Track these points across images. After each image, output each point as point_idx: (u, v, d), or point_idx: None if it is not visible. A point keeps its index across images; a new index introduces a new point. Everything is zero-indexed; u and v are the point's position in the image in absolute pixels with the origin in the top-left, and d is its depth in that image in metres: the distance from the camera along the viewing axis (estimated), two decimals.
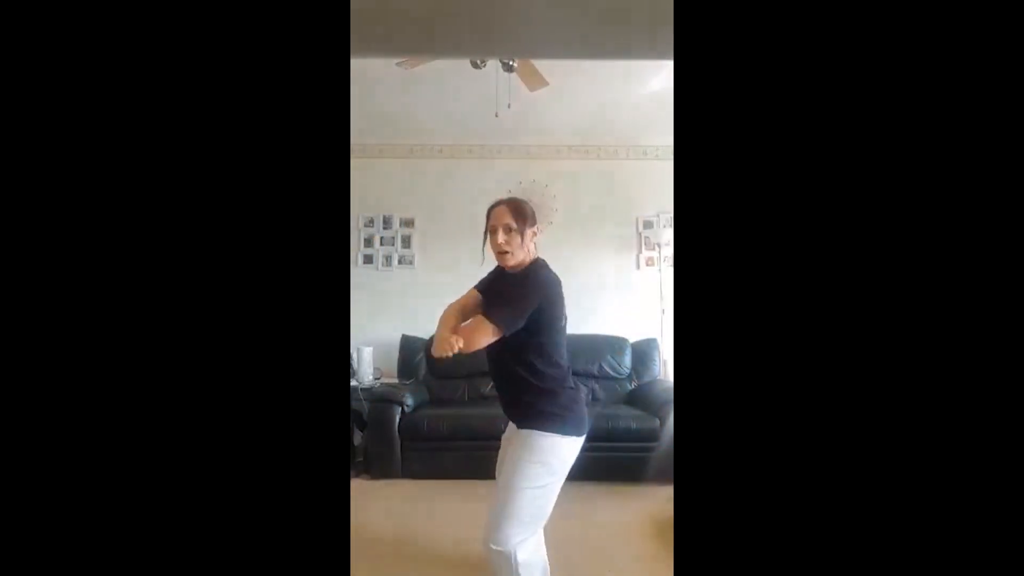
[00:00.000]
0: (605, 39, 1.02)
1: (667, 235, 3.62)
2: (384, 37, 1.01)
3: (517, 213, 1.39)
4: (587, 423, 1.41)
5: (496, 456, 1.57)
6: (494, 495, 1.33)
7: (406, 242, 3.74)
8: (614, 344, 3.37)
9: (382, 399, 2.88)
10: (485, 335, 1.28)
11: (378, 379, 3.32)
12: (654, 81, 2.88)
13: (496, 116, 2.86)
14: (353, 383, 3.10)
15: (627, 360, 3.36)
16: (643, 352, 3.40)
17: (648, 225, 3.74)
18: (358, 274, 3.68)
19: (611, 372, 3.31)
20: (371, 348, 3.30)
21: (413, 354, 3.40)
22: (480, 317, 1.31)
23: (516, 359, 1.37)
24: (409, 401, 2.90)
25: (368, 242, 3.74)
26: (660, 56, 0.99)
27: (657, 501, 2.45)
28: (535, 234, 1.44)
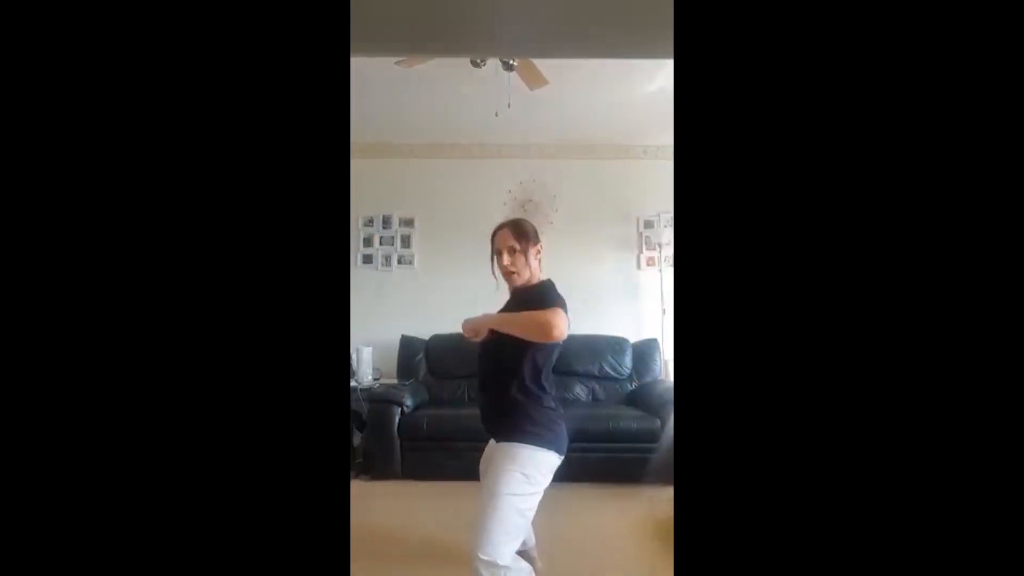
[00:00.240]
0: (605, 39, 1.02)
1: (667, 235, 3.62)
2: (384, 36, 1.01)
3: (519, 234, 1.46)
4: (565, 443, 1.44)
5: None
6: (479, 506, 1.35)
7: (406, 242, 3.74)
8: (614, 344, 3.37)
9: (382, 399, 2.88)
10: (563, 321, 1.30)
11: (378, 379, 3.32)
12: (654, 81, 2.88)
13: (496, 115, 2.86)
14: (353, 383, 3.10)
15: (627, 360, 3.36)
16: (644, 352, 3.40)
17: (648, 225, 3.74)
18: (358, 274, 3.69)
19: (611, 372, 3.31)
20: (371, 348, 3.30)
21: (413, 354, 3.41)
22: (555, 308, 1.31)
23: (512, 374, 1.40)
24: (408, 401, 2.90)
25: (368, 242, 3.74)
26: (660, 56, 0.99)
27: (657, 502, 2.45)
28: (539, 252, 1.49)
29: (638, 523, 2.25)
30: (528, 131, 3.58)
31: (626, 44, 1.06)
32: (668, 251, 3.64)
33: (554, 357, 1.48)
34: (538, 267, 1.50)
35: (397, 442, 2.79)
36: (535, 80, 2.56)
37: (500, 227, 1.50)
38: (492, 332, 1.40)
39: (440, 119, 3.44)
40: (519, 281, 1.46)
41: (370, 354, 3.29)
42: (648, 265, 3.72)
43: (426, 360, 3.38)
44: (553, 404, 1.45)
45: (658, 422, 2.77)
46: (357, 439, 3.08)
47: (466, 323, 1.43)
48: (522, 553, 1.78)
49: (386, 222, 3.75)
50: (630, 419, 2.80)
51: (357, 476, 2.85)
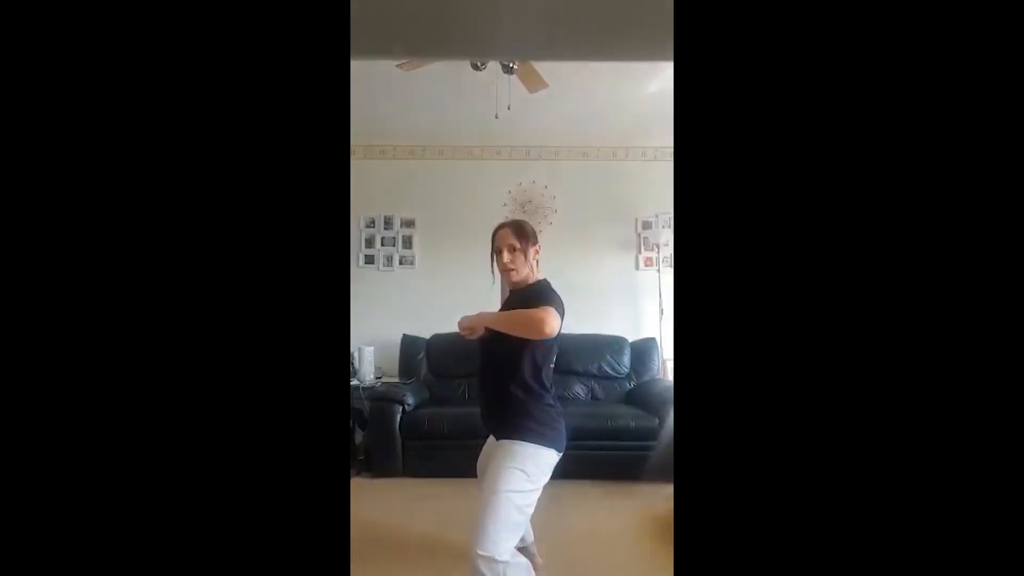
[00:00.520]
0: (605, 40, 1.02)
1: (666, 235, 3.63)
2: (384, 39, 1.01)
3: (519, 234, 1.51)
4: (564, 441, 1.46)
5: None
6: (479, 503, 1.37)
7: (407, 242, 3.75)
8: (613, 344, 3.37)
9: (383, 398, 2.88)
10: (554, 319, 1.33)
11: (379, 378, 3.33)
12: (654, 81, 2.89)
13: (496, 117, 2.87)
14: (354, 382, 3.11)
15: (626, 359, 3.36)
16: (642, 352, 3.40)
17: (647, 225, 3.74)
18: (359, 274, 3.69)
19: (610, 371, 3.32)
20: (372, 347, 3.31)
21: (414, 353, 3.41)
22: (546, 307, 1.35)
23: (511, 372, 1.44)
24: (410, 400, 2.90)
25: (369, 242, 3.75)
26: (660, 57, 0.99)
27: (656, 499, 2.45)
28: (537, 252, 1.55)
29: (637, 520, 2.26)
30: (528, 133, 3.59)
31: (625, 46, 1.06)
32: (666, 252, 3.65)
33: (553, 355, 1.50)
34: (535, 267, 1.55)
35: (398, 440, 2.80)
36: (535, 82, 2.57)
37: (501, 227, 1.56)
38: (490, 330, 1.43)
39: (441, 121, 3.45)
40: (517, 278, 1.51)
41: (372, 353, 3.29)
42: (647, 265, 3.73)
43: (427, 359, 3.39)
44: (552, 401, 1.47)
45: (656, 420, 2.77)
46: (359, 437, 3.08)
47: (462, 321, 1.48)
48: (521, 550, 1.79)
49: (387, 223, 3.75)
50: (629, 417, 2.81)
51: (359, 474, 2.86)
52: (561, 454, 1.44)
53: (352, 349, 3.17)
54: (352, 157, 3.47)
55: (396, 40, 1.05)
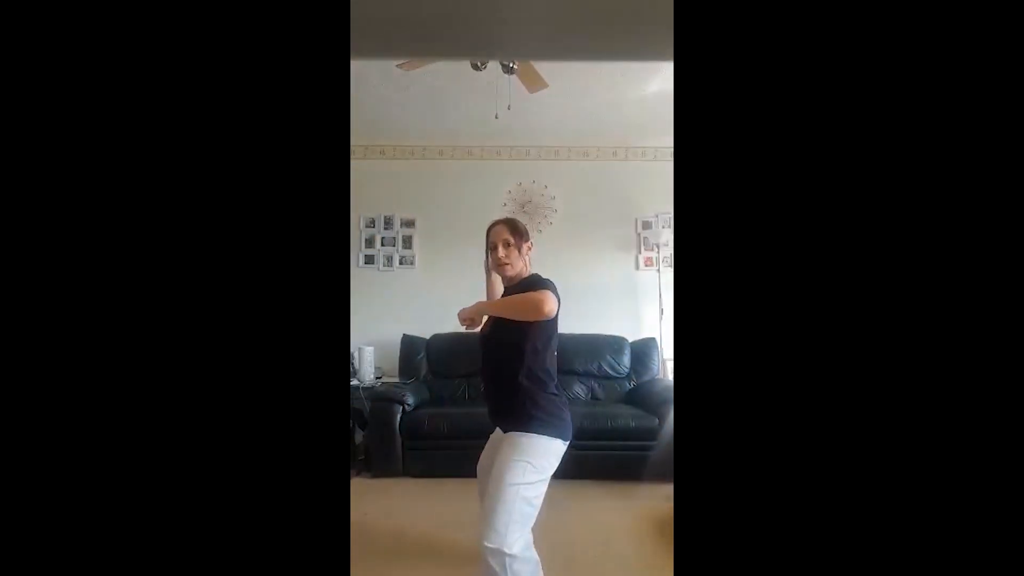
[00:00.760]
0: (605, 40, 1.02)
1: (666, 235, 3.63)
2: (384, 39, 1.01)
3: (513, 230, 1.58)
4: (571, 430, 1.47)
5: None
6: (486, 496, 1.37)
7: (407, 243, 3.75)
8: (613, 344, 3.37)
9: (383, 398, 2.88)
10: (552, 300, 1.37)
11: (379, 378, 3.33)
12: (654, 81, 2.89)
13: (496, 118, 2.87)
14: (354, 382, 3.11)
15: (626, 359, 3.36)
16: (642, 351, 3.41)
17: (647, 226, 3.74)
18: (359, 274, 3.70)
19: (610, 371, 3.32)
20: (372, 348, 3.31)
21: (414, 353, 3.41)
22: (542, 290, 1.40)
23: (515, 361, 1.45)
24: (410, 400, 2.90)
25: (369, 242, 3.75)
26: (660, 57, 1.00)
27: (656, 499, 2.46)
28: (529, 248, 1.61)
29: (637, 520, 2.26)
30: (528, 133, 3.59)
31: (626, 46, 1.06)
32: (666, 252, 3.65)
33: (555, 343, 1.52)
34: (528, 262, 1.60)
35: (398, 440, 2.80)
36: (534, 83, 2.57)
37: (495, 223, 1.61)
38: (491, 322, 1.48)
39: (441, 121, 3.45)
40: (511, 272, 1.55)
41: (372, 353, 3.29)
42: (646, 265, 3.73)
43: (427, 359, 3.39)
44: (556, 390, 1.49)
45: (656, 420, 2.78)
46: (359, 437, 3.08)
47: (461, 312, 1.52)
48: None
49: (387, 223, 3.76)
50: (629, 417, 2.81)
51: (359, 474, 2.86)
52: (567, 443, 1.45)
53: (352, 349, 3.18)
54: (352, 157, 3.47)
55: (396, 40, 1.05)
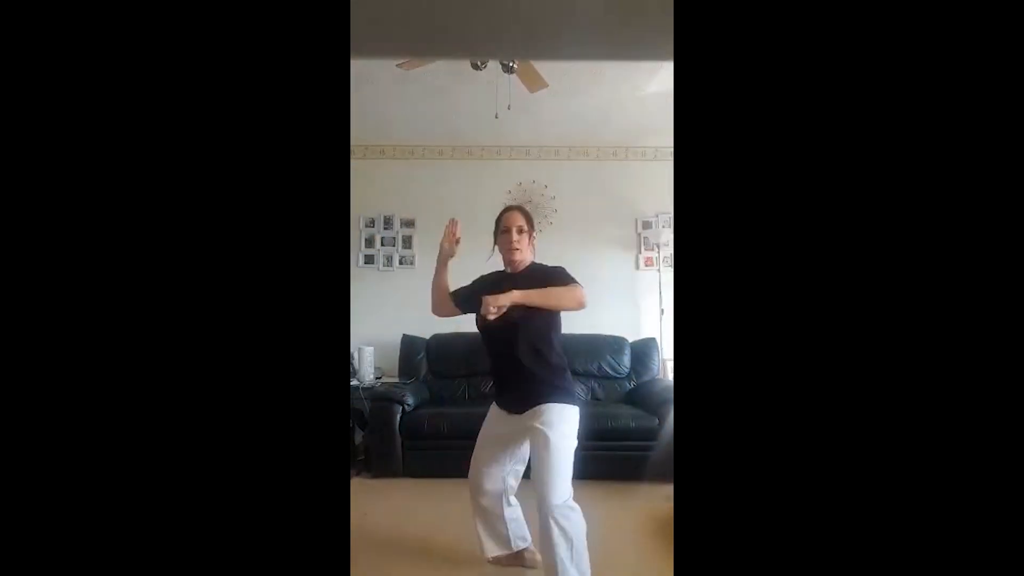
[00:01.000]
0: (605, 39, 1.02)
1: (666, 235, 3.63)
2: (384, 38, 1.01)
3: (527, 217, 1.68)
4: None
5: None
6: (540, 463, 1.48)
7: (407, 242, 3.75)
8: (613, 344, 3.37)
9: (383, 398, 2.88)
10: (585, 295, 1.53)
11: (379, 378, 3.32)
12: (654, 81, 2.89)
13: (496, 117, 2.86)
14: (354, 382, 3.11)
15: (626, 360, 3.36)
16: (642, 352, 3.40)
17: (647, 225, 3.74)
18: (359, 274, 3.69)
19: (610, 371, 3.31)
20: (372, 348, 3.30)
21: (414, 353, 3.41)
22: (575, 285, 1.54)
23: (540, 343, 1.59)
24: (410, 400, 2.90)
25: (369, 242, 3.74)
26: (660, 57, 1.00)
27: (656, 499, 2.45)
28: (534, 237, 1.71)
29: (637, 520, 2.26)
30: (528, 133, 3.58)
31: (626, 46, 1.06)
32: (666, 251, 3.65)
33: (561, 325, 1.68)
34: (533, 251, 1.70)
35: (398, 440, 2.79)
36: (535, 82, 2.57)
37: (509, 208, 1.71)
38: (518, 310, 1.51)
39: (441, 121, 3.44)
40: (519, 257, 1.64)
41: (372, 353, 3.29)
42: (647, 265, 3.73)
43: (427, 359, 3.39)
44: (568, 367, 1.67)
45: (656, 420, 2.77)
46: (359, 437, 3.08)
47: (493, 300, 1.47)
48: (521, 552, 1.80)
49: (387, 223, 3.75)
50: (629, 417, 2.81)
51: (358, 474, 2.86)
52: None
53: (352, 349, 3.17)
54: (352, 157, 3.47)
55: (396, 39, 1.05)
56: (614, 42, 1.04)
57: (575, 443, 1.55)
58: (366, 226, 3.75)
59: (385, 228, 3.75)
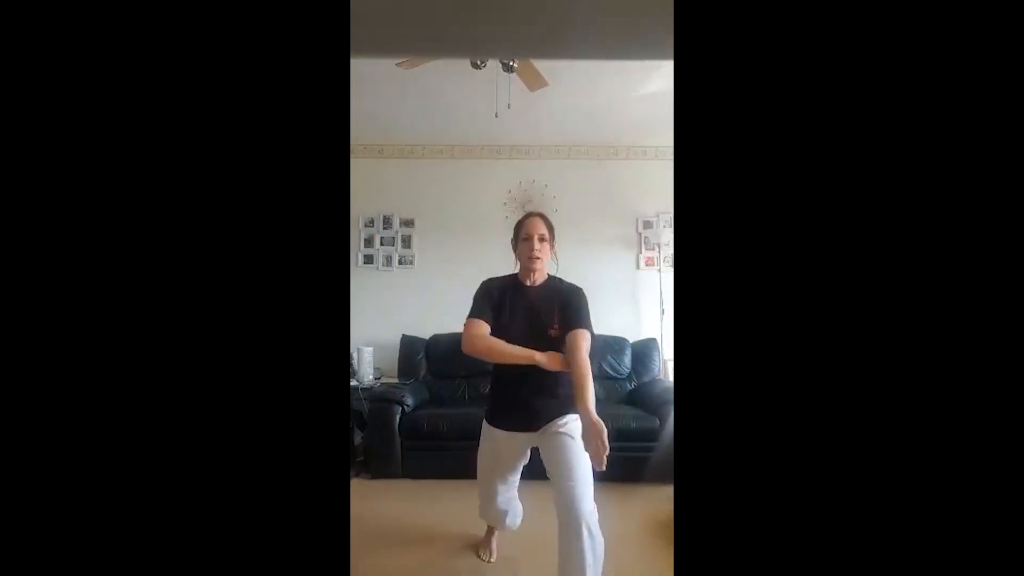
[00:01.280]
0: (605, 38, 1.02)
1: (667, 235, 3.63)
2: (384, 37, 1.01)
3: (548, 225, 1.60)
4: None
5: None
6: (568, 472, 1.47)
7: (406, 242, 3.75)
8: (614, 344, 3.37)
9: (382, 399, 2.88)
10: (587, 343, 1.49)
11: (378, 379, 3.32)
12: (654, 81, 2.89)
13: (496, 116, 2.86)
14: (353, 383, 3.10)
15: (627, 360, 3.36)
16: (643, 352, 3.40)
17: (648, 225, 3.74)
18: (358, 274, 3.69)
19: (611, 372, 3.31)
20: (371, 348, 3.30)
21: (413, 354, 3.41)
22: (582, 332, 1.50)
23: (561, 376, 1.53)
24: (409, 401, 2.90)
25: (368, 242, 3.74)
26: (660, 57, 0.99)
27: (657, 500, 2.45)
28: (555, 246, 1.64)
29: (638, 521, 2.26)
30: (528, 132, 3.58)
31: (626, 45, 1.06)
32: (667, 251, 3.64)
33: None
34: (554, 260, 1.65)
35: (398, 441, 2.79)
36: (535, 81, 2.56)
37: (531, 215, 1.61)
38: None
39: (441, 120, 3.44)
40: (539, 267, 1.57)
41: (371, 354, 3.29)
42: (647, 265, 3.73)
43: (426, 360, 3.38)
44: None
45: (657, 421, 2.77)
46: (358, 438, 3.08)
47: (599, 450, 1.40)
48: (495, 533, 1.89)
49: (387, 222, 3.75)
50: (629, 418, 2.80)
51: (358, 475, 2.85)
52: None
53: (351, 349, 3.17)
54: (352, 156, 3.47)
55: (396, 39, 1.05)
56: (614, 41, 1.03)
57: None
58: (365, 226, 3.75)
59: (384, 228, 3.75)
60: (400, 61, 2.40)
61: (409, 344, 3.44)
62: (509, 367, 1.53)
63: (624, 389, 3.30)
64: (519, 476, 1.81)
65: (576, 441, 1.49)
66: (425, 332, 3.45)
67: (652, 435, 2.73)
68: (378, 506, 2.44)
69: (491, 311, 1.56)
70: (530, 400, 1.57)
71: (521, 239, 1.59)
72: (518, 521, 1.91)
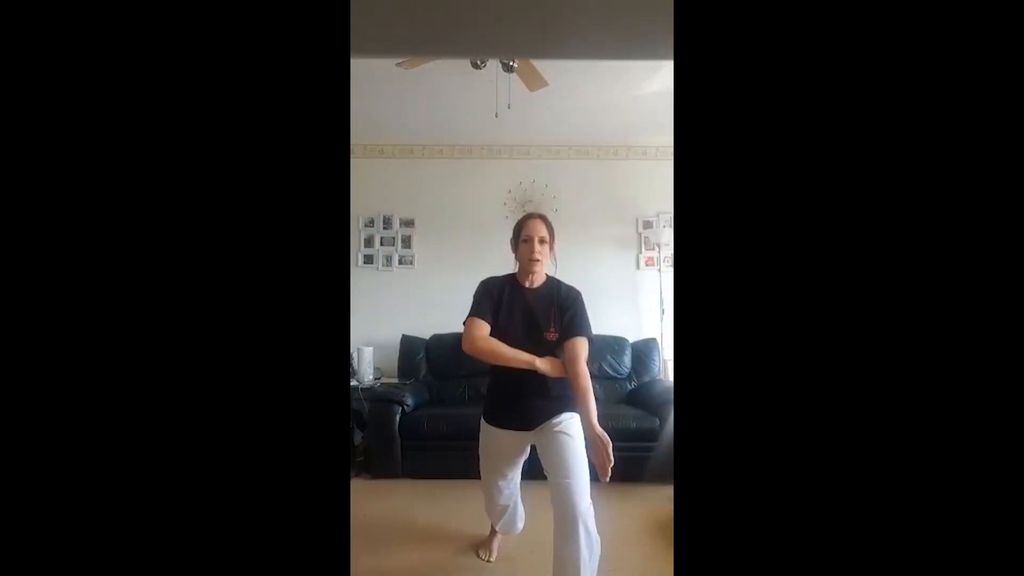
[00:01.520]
0: (605, 40, 1.02)
1: (667, 235, 3.63)
2: (384, 37, 1.01)
3: (549, 226, 1.61)
4: None
5: None
6: (564, 469, 1.49)
7: (406, 242, 3.74)
8: (614, 344, 3.37)
9: (382, 399, 2.88)
10: (586, 351, 1.55)
11: (378, 379, 3.32)
12: (654, 81, 2.89)
13: (496, 116, 2.86)
14: (353, 383, 3.10)
15: (627, 360, 3.35)
16: (643, 352, 3.40)
17: (648, 225, 3.74)
18: (359, 274, 3.69)
19: (611, 372, 3.31)
20: (371, 348, 3.30)
21: (413, 354, 3.40)
22: (581, 340, 1.55)
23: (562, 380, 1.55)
24: (409, 401, 2.89)
25: (368, 242, 3.74)
26: (660, 57, 0.99)
27: (657, 500, 2.45)
28: (555, 248, 1.65)
29: (638, 521, 2.26)
30: (528, 132, 3.58)
31: (626, 45, 1.06)
32: (667, 251, 3.64)
33: None
34: (554, 262, 1.66)
35: (398, 441, 2.79)
36: (535, 81, 2.56)
37: (531, 216, 1.62)
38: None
39: (441, 120, 3.44)
40: (539, 268, 1.58)
41: (371, 354, 3.29)
42: (647, 265, 3.72)
43: (426, 360, 3.38)
44: None
45: (657, 421, 2.77)
46: (358, 438, 3.08)
47: (604, 464, 1.41)
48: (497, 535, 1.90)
49: (387, 222, 3.75)
50: (629, 418, 2.80)
51: (358, 475, 2.85)
52: None
53: (351, 349, 3.17)
54: (351, 156, 3.47)
55: (396, 39, 1.05)
56: (614, 41, 1.03)
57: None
58: (365, 226, 3.75)
59: (384, 228, 3.74)
60: (400, 61, 2.39)
61: (409, 344, 3.43)
62: (507, 368, 1.54)
63: (624, 389, 3.29)
64: (520, 474, 1.81)
65: (573, 439, 1.50)
66: (425, 332, 3.45)
67: (652, 435, 2.73)
68: (378, 506, 2.44)
69: (491, 311, 1.57)
70: (527, 401, 1.58)
71: (521, 241, 1.59)
72: (520, 526, 1.91)
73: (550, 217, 1.66)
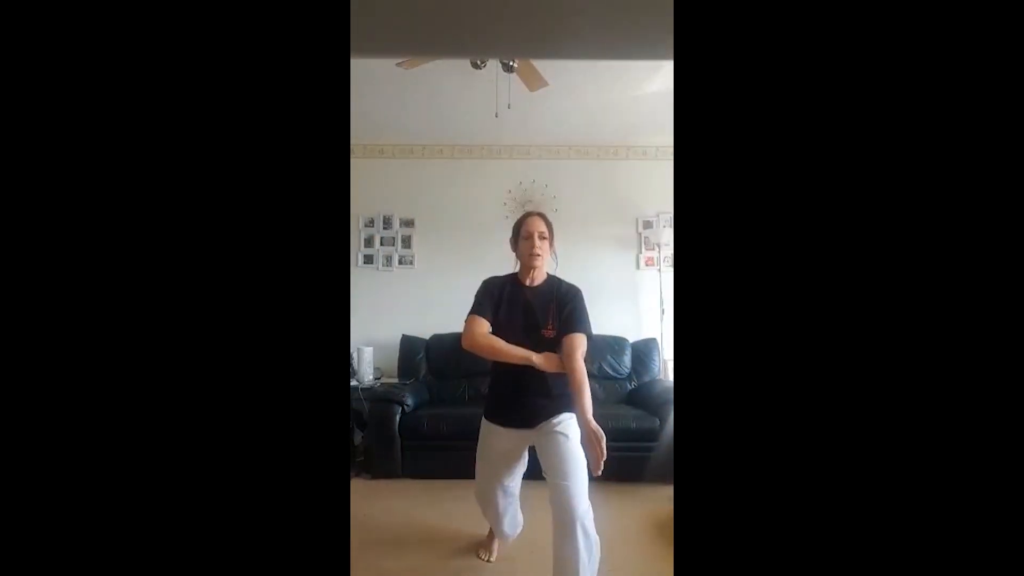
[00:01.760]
0: (605, 38, 1.02)
1: (667, 235, 3.63)
2: (384, 37, 1.01)
3: (548, 224, 1.63)
4: None
5: None
6: (561, 473, 1.49)
7: (406, 242, 3.75)
8: (614, 344, 3.37)
9: (382, 399, 2.88)
10: (583, 348, 1.54)
11: (378, 379, 3.32)
12: (654, 81, 2.89)
13: (496, 116, 2.86)
14: (353, 383, 3.10)
15: (627, 360, 3.36)
16: (643, 352, 3.40)
17: (648, 225, 3.74)
18: (359, 274, 3.69)
19: (611, 372, 3.31)
20: (371, 348, 3.31)
21: (413, 354, 3.41)
22: (579, 336, 1.54)
23: (560, 378, 1.56)
24: (409, 401, 2.90)
25: (368, 242, 3.74)
26: (660, 57, 0.99)
27: (657, 501, 2.45)
28: (555, 245, 1.66)
29: (637, 521, 2.26)
30: (528, 132, 3.58)
31: (626, 45, 1.06)
32: (667, 251, 3.64)
33: None
34: (554, 259, 1.67)
35: (398, 441, 2.79)
36: (535, 81, 2.56)
37: (531, 214, 1.63)
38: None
39: (441, 120, 3.44)
40: (539, 264, 1.59)
41: (371, 354, 3.29)
42: (647, 265, 3.73)
43: (426, 360, 3.38)
44: None
45: (657, 421, 2.77)
46: (358, 438, 3.08)
47: (598, 457, 1.43)
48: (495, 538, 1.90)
49: (387, 222, 3.75)
50: (629, 418, 2.80)
51: (358, 475, 2.85)
52: None
53: (351, 349, 3.17)
54: (351, 156, 3.47)
55: (396, 39, 1.05)
56: (614, 41, 1.03)
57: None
58: (365, 226, 3.75)
59: (384, 228, 3.75)
60: (400, 61, 2.40)
61: (409, 344, 3.43)
62: (508, 365, 1.55)
63: (624, 389, 3.29)
64: (519, 481, 1.80)
65: (571, 440, 1.50)
66: (425, 332, 3.45)
67: (652, 435, 2.73)
68: (378, 506, 2.44)
69: (491, 308, 1.58)
70: (527, 398, 1.58)
71: (521, 238, 1.61)
72: (517, 530, 1.91)
73: (550, 217, 1.67)
